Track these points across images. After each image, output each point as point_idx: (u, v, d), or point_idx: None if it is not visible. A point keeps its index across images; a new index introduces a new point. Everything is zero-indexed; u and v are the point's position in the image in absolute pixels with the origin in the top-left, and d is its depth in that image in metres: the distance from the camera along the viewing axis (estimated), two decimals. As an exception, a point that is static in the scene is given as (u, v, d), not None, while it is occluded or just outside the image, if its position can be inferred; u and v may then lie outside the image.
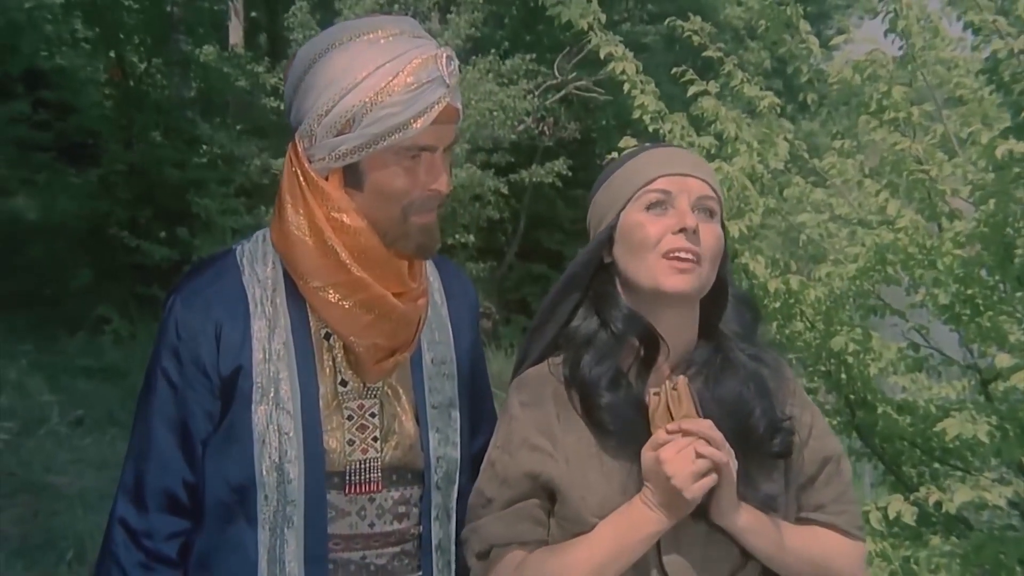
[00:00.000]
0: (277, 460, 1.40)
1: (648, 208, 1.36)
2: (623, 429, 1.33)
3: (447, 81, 1.40)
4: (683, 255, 1.33)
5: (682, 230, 1.33)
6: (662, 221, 1.35)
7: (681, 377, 1.32)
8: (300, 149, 1.43)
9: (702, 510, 1.30)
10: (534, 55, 11.00)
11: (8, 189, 9.08)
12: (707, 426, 1.28)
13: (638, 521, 1.30)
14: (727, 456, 1.27)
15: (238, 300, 1.44)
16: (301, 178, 1.43)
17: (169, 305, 1.46)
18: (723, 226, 1.40)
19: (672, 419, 1.30)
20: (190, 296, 1.45)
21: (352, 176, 1.42)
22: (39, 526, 4.71)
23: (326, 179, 1.42)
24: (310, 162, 1.43)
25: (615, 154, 3.04)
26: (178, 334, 1.42)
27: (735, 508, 1.30)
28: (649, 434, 1.32)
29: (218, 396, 1.42)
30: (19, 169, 9.21)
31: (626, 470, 1.32)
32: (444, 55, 1.42)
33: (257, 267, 1.47)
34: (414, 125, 1.38)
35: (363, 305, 1.42)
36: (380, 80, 1.37)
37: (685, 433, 1.27)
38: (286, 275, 1.46)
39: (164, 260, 8.86)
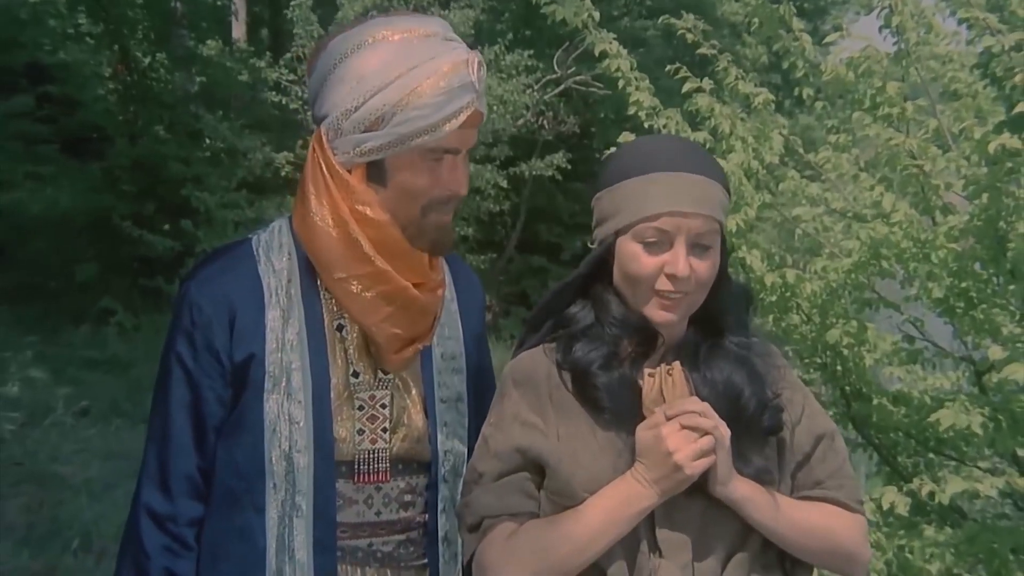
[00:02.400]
0: (287, 449, 1.42)
1: (645, 243, 1.36)
2: (616, 408, 1.36)
3: (476, 87, 1.42)
4: (672, 295, 1.36)
5: (673, 275, 1.34)
6: (656, 259, 1.35)
7: (676, 362, 1.35)
8: (325, 141, 1.45)
9: (698, 487, 1.33)
10: (532, 52, 11.02)
11: (13, 183, 9.09)
12: (696, 401, 1.32)
13: (630, 496, 1.33)
14: (720, 423, 1.31)
15: (253, 289, 1.45)
16: (325, 170, 1.44)
17: (183, 291, 1.48)
18: (722, 234, 1.41)
19: (665, 402, 1.33)
20: (204, 283, 1.47)
21: (375, 171, 1.44)
22: (45, 515, 4.74)
23: (350, 172, 1.44)
24: (334, 154, 1.44)
25: (613, 148, 3.07)
26: (192, 320, 1.44)
27: (732, 477, 1.33)
28: (641, 414, 1.35)
29: (230, 383, 1.44)
30: (24, 163, 9.22)
31: (616, 449, 1.36)
32: (475, 60, 1.43)
33: (273, 257, 1.48)
34: (443, 128, 1.39)
35: (384, 296, 1.44)
36: (411, 82, 1.38)
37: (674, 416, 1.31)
38: (301, 266, 1.48)
39: (167, 252, 8.91)
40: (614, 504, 1.33)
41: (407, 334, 1.47)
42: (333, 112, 1.42)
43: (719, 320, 1.42)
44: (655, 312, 1.37)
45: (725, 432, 1.31)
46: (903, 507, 2.73)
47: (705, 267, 1.36)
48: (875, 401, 3.27)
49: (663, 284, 1.35)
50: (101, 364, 7.87)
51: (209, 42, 10.96)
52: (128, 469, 5.04)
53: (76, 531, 4.49)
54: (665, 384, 1.33)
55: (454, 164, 1.45)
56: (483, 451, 1.43)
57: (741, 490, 1.34)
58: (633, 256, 1.36)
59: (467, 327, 1.61)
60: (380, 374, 1.49)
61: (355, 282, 1.44)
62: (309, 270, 1.47)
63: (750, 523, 1.36)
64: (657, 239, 1.35)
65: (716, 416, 1.31)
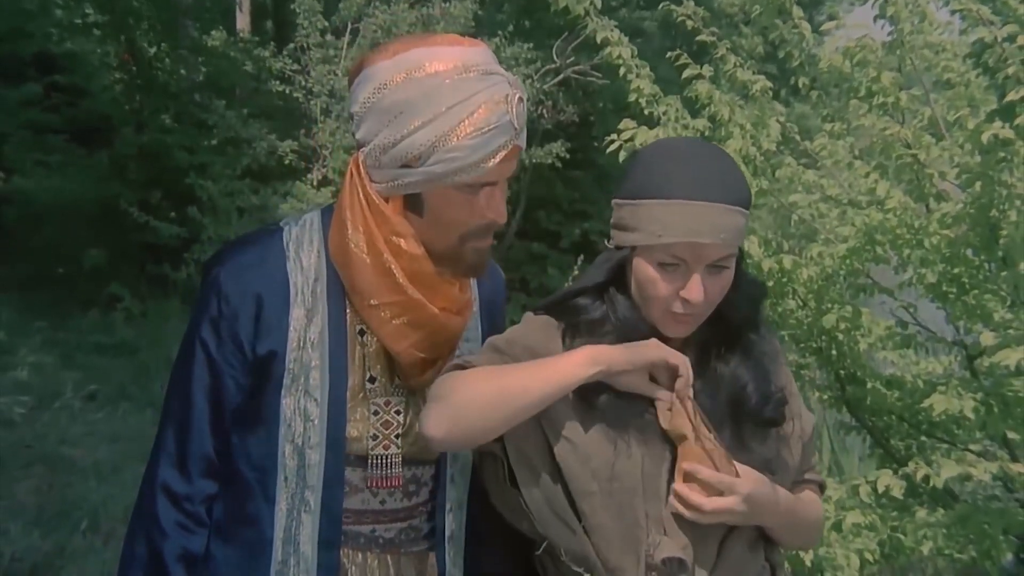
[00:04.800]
0: (300, 444, 1.44)
1: (661, 266, 1.38)
2: (606, 407, 1.40)
3: (515, 125, 1.40)
4: (684, 315, 1.40)
5: (687, 299, 1.37)
6: (672, 283, 1.38)
7: (677, 400, 1.36)
8: (362, 168, 1.45)
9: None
10: (532, 43, 11.03)
11: (23, 171, 9.15)
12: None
13: (582, 349, 1.37)
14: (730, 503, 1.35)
15: (280, 286, 1.46)
16: (362, 197, 1.44)
17: (212, 277, 1.48)
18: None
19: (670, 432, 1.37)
20: (234, 272, 1.47)
21: (413, 202, 1.44)
22: (54, 497, 4.78)
23: (387, 201, 1.44)
24: (372, 181, 1.44)
25: (614, 136, 3.11)
26: (219, 310, 1.45)
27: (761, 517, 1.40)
28: (630, 412, 1.40)
29: (250, 372, 1.46)
30: (33, 151, 9.28)
31: (609, 437, 1.40)
32: (516, 97, 1.41)
33: (302, 254, 1.49)
34: (480, 167, 1.39)
35: (413, 323, 1.46)
36: (449, 121, 1.37)
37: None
38: (330, 265, 1.49)
39: (174, 239, 8.97)
40: (563, 355, 1.38)
41: (431, 356, 1.50)
42: (371, 142, 1.42)
43: (730, 318, 1.45)
44: (668, 327, 1.42)
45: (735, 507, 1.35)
46: (898, 490, 2.75)
47: (719, 287, 1.39)
48: (869, 385, 3.31)
49: (677, 307, 1.38)
50: (109, 349, 7.90)
51: (214, 32, 10.97)
52: (135, 452, 5.12)
53: (85, 512, 4.55)
54: (663, 418, 1.36)
55: (492, 194, 1.44)
56: (489, 354, 1.46)
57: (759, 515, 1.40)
58: (649, 279, 1.38)
59: (485, 319, 1.63)
60: (396, 381, 1.51)
61: (386, 310, 1.45)
62: (336, 271, 1.49)
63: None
64: (675, 263, 1.36)
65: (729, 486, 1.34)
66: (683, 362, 1.37)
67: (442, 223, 1.44)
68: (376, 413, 1.49)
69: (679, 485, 1.35)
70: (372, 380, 1.49)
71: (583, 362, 1.35)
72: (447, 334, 1.51)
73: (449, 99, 1.37)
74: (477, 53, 1.43)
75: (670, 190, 1.35)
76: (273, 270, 1.47)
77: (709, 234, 1.33)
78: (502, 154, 1.40)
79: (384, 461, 1.49)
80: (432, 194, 1.42)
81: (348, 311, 1.49)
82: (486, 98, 1.38)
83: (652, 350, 1.35)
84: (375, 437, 1.49)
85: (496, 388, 1.36)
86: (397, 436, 1.50)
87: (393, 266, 1.43)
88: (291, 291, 1.46)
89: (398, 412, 1.51)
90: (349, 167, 1.48)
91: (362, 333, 1.49)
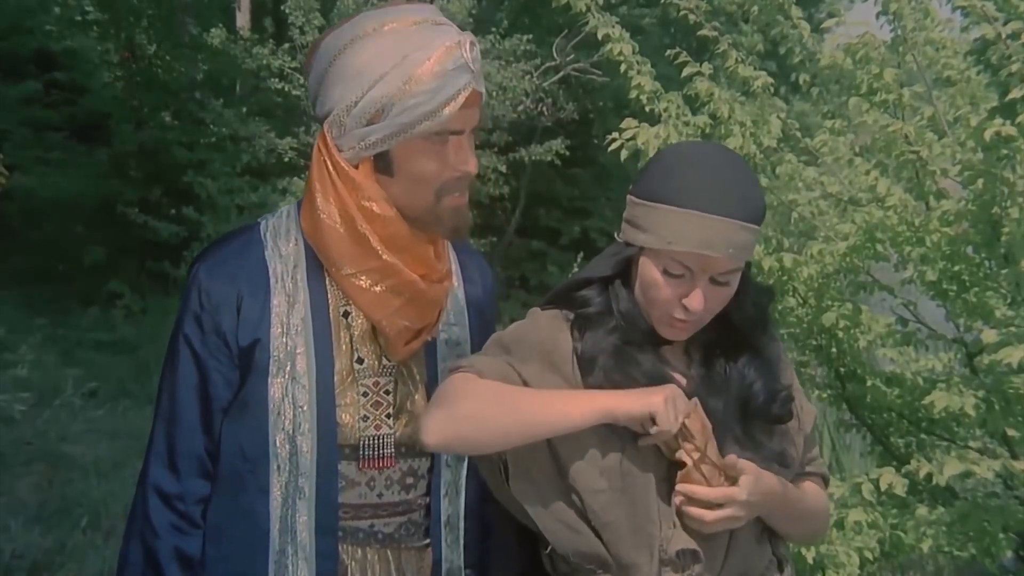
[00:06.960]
0: (290, 432, 1.44)
1: (666, 272, 1.38)
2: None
3: (471, 67, 1.42)
4: (684, 321, 1.41)
5: (687, 307, 1.38)
6: (675, 289, 1.38)
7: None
8: (329, 139, 1.46)
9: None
10: (531, 36, 11.02)
11: (23, 168, 9.14)
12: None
13: (592, 394, 1.37)
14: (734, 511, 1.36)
15: (259, 274, 1.47)
16: (330, 167, 1.45)
17: (193, 273, 1.50)
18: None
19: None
20: (214, 266, 1.48)
21: (382, 163, 1.45)
22: (54, 494, 4.80)
23: (356, 168, 1.45)
24: (340, 151, 1.45)
25: (615, 134, 3.11)
26: (201, 303, 1.46)
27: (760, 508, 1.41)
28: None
29: (237, 365, 1.46)
30: (33, 148, 9.30)
31: (614, 431, 1.39)
32: (468, 41, 1.43)
33: (280, 242, 1.50)
34: (443, 112, 1.40)
35: (393, 289, 1.46)
36: (406, 70, 1.39)
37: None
38: (308, 251, 1.49)
39: (173, 237, 8.97)
40: (573, 394, 1.38)
41: (416, 325, 1.50)
42: (334, 109, 1.43)
43: (737, 320, 1.46)
44: (665, 330, 1.43)
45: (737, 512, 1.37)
46: (901, 489, 2.75)
47: (721, 298, 1.40)
48: (869, 382, 3.31)
49: (678, 312, 1.39)
50: (109, 346, 7.92)
51: (213, 30, 10.96)
52: (136, 448, 5.12)
53: (85, 509, 4.56)
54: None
55: (460, 144, 1.46)
56: (495, 350, 1.46)
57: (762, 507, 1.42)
58: (654, 282, 1.39)
59: (473, 314, 1.63)
60: (384, 361, 1.51)
61: (364, 277, 1.46)
62: (316, 256, 1.50)
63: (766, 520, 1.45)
64: (680, 272, 1.37)
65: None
66: (679, 418, 1.34)
67: (415, 179, 1.45)
68: (365, 395, 1.49)
69: (684, 508, 1.38)
70: (360, 361, 1.49)
71: (593, 411, 1.34)
72: (429, 302, 1.51)
73: (403, 49, 1.40)
74: (424, 9, 1.46)
75: (686, 199, 1.35)
76: (252, 260, 1.48)
77: (719, 248, 1.34)
78: (463, 96, 1.41)
79: (376, 442, 1.49)
80: (400, 151, 1.43)
81: (330, 295, 1.49)
82: (440, 43, 1.41)
83: (656, 402, 1.33)
84: (365, 418, 1.49)
85: (507, 414, 1.36)
86: (388, 416, 1.50)
87: (367, 232, 1.44)
88: (271, 278, 1.47)
89: (387, 392, 1.51)
90: (316, 143, 1.49)
91: (347, 315, 1.49)
